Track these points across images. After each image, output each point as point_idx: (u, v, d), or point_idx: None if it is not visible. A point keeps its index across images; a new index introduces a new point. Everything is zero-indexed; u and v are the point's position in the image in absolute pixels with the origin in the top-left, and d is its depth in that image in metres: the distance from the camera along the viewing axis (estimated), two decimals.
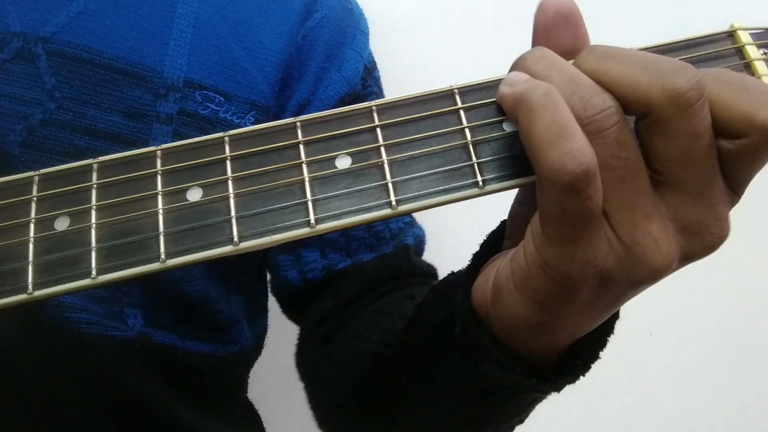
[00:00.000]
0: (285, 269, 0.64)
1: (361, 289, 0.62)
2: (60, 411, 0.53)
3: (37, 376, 0.52)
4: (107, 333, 0.53)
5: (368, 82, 0.67)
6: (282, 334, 0.74)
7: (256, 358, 0.70)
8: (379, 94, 0.69)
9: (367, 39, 0.68)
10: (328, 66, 0.63)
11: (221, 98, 0.57)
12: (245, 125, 0.58)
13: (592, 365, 0.40)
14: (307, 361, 0.65)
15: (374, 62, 0.69)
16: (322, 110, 0.60)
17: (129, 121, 0.54)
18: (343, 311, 0.62)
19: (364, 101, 0.64)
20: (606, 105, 0.32)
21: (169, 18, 0.56)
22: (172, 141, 0.54)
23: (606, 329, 0.40)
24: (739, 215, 0.36)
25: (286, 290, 0.65)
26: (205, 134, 0.55)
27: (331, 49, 0.63)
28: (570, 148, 0.30)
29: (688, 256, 0.34)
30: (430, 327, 0.45)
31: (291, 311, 0.68)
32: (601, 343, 0.40)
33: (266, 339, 0.71)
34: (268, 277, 0.70)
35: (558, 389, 0.41)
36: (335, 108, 0.60)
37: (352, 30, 0.67)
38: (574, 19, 0.36)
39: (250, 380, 0.71)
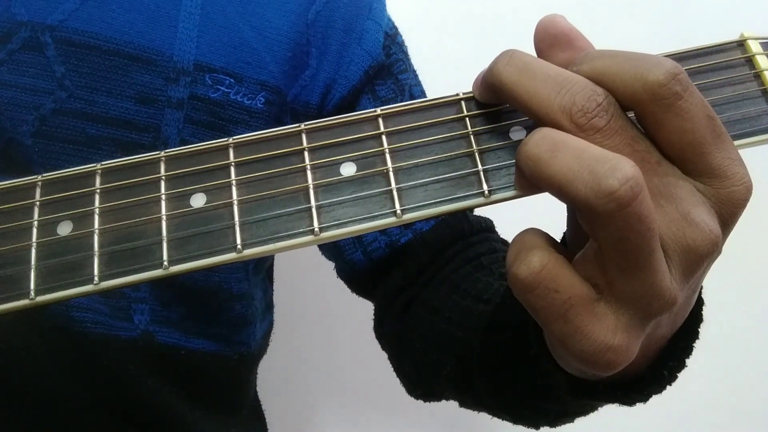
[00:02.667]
0: (349, 253, 0.64)
1: (428, 258, 0.61)
2: (64, 412, 0.52)
3: (41, 376, 0.51)
4: (112, 333, 0.53)
5: (392, 50, 0.65)
6: (285, 330, 0.74)
7: (262, 356, 0.69)
8: (405, 60, 0.67)
9: (384, 6, 0.67)
10: (348, 41, 0.62)
11: (231, 80, 0.56)
12: (256, 106, 0.57)
13: (678, 374, 0.40)
14: (386, 333, 0.65)
15: (395, 28, 0.68)
16: (348, 87, 0.61)
17: (140, 107, 0.53)
18: (414, 282, 0.61)
19: (389, 70, 0.66)
20: (595, 94, 0.32)
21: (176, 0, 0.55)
22: (184, 126, 0.55)
23: (692, 334, 0.39)
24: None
25: (354, 272, 0.65)
26: (217, 118, 0.56)
27: (348, 23, 0.62)
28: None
29: (726, 224, 0.33)
30: (510, 329, 0.46)
31: (361, 291, 0.68)
32: (688, 350, 0.39)
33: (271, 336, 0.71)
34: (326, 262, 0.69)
35: (645, 400, 0.40)
36: (361, 82, 0.62)
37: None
38: (564, 37, 0.35)
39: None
